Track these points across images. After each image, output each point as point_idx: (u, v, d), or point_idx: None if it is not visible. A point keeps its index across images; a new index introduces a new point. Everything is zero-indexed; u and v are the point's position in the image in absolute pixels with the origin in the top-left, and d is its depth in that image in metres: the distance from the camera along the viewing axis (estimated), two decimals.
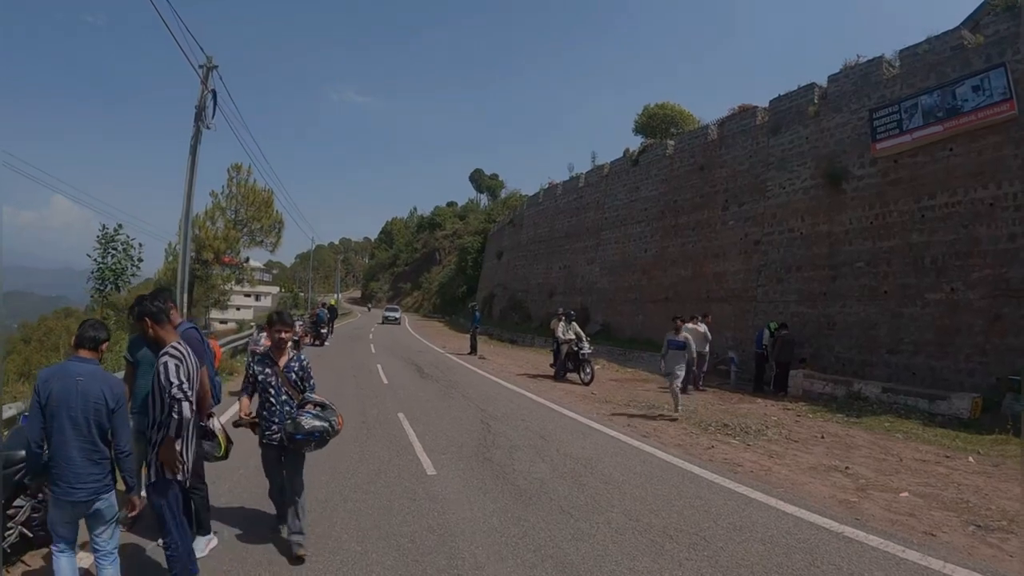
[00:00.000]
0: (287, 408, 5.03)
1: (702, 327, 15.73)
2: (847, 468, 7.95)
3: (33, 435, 3.66)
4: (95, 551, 3.84)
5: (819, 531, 5.53)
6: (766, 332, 15.47)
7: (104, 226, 22.99)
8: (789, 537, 5.37)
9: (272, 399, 5.07)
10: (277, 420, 5.01)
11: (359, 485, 6.75)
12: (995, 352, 11.67)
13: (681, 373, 11.46)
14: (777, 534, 5.44)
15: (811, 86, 17.47)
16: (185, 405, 3.90)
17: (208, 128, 16.49)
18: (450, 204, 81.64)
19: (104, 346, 4.04)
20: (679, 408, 11.28)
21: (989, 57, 12.63)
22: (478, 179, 75.97)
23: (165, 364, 3.93)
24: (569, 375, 16.84)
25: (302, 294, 67.40)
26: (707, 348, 15.84)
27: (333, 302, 44.59)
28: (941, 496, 6.84)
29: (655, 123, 32.53)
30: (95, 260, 23.12)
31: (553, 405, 12.48)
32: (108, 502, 3.79)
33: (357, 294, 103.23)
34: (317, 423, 4.83)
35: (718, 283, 20.25)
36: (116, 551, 3.90)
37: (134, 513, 4.63)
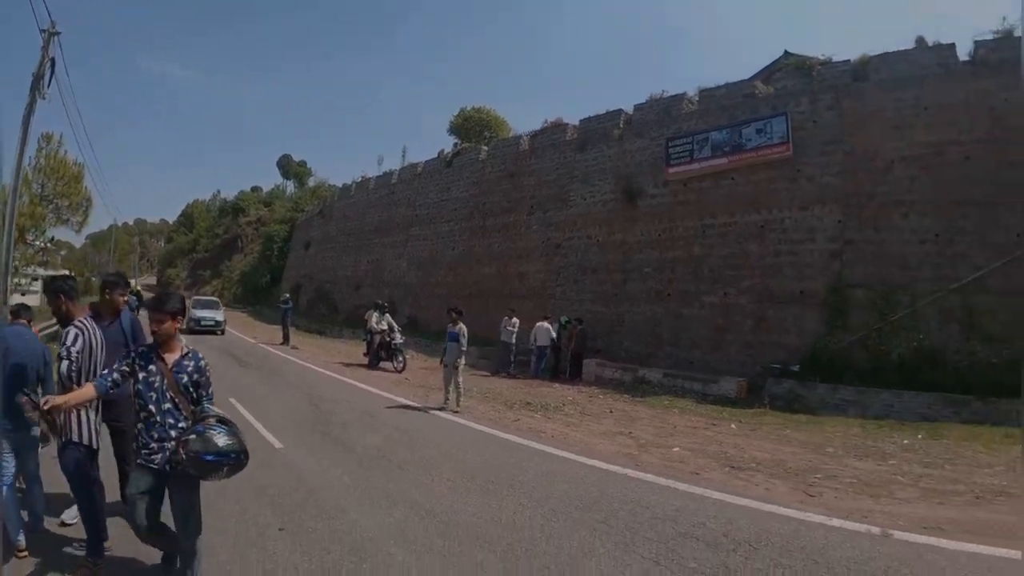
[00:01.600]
0: (170, 420, 3.64)
1: (515, 322, 16.45)
2: (630, 433, 9.14)
3: None
4: None
5: (607, 474, 6.66)
6: (555, 326, 16.25)
7: None
8: (584, 478, 6.44)
9: (151, 407, 3.62)
10: (157, 436, 3.61)
11: None
12: (759, 346, 13.27)
13: (460, 364, 10.92)
14: (575, 477, 6.49)
15: (618, 111, 18.51)
16: (64, 364, 3.98)
17: (43, 98, 14.75)
18: (255, 189, 75.27)
19: None
20: (449, 401, 10.84)
21: (775, 106, 14.26)
22: (286, 165, 71.01)
23: (67, 331, 4.17)
24: (383, 364, 16.63)
25: (94, 279, 59.36)
26: (513, 340, 16.32)
27: (136, 288, 39.67)
28: (706, 450, 8.16)
29: (470, 126, 32.65)
30: None
31: (373, 389, 12.61)
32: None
33: (152, 280, 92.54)
34: (231, 441, 3.50)
35: (521, 282, 20.74)
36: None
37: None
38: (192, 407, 3.69)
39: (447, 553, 4.46)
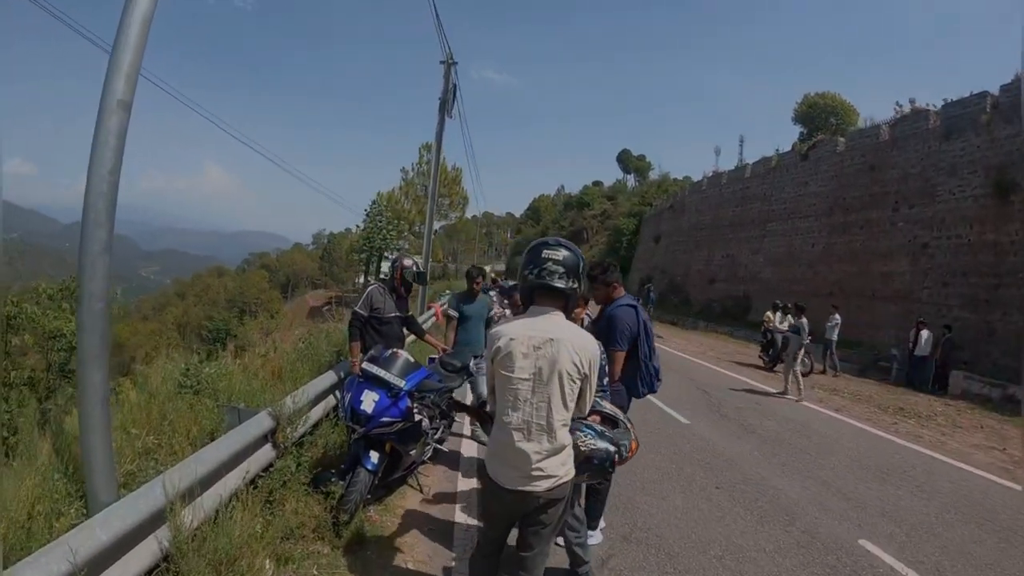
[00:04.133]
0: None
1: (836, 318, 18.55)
2: (1004, 449, 10.22)
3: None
4: None
5: (985, 481, 8.03)
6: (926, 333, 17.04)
7: (374, 201, 28.35)
8: (964, 481, 7.89)
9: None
10: None
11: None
12: None
13: (800, 355, 13.66)
14: (956, 479, 7.96)
15: (984, 94, 18.54)
16: None
17: (450, 117, 19.35)
18: (596, 184, 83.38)
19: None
20: (789, 389, 13.49)
21: None
22: (626, 159, 77.48)
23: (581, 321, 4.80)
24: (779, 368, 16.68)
25: (451, 265, 71.39)
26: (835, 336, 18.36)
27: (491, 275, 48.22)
28: None
29: (815, 113, 33.24)
30: (363, 229, 28.45)
31: (744, 379, 15.31)
32: None
33: (502, 267, 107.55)
34: (600, 444, 3.33)
35: (884, 282, 21.66)
36: None
37: None
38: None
39: (862, 525, 6.03)
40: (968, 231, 18.32)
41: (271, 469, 4.84)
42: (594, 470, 3.39)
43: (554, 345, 2.94)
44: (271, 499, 4.60)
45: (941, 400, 14.89)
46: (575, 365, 2.95)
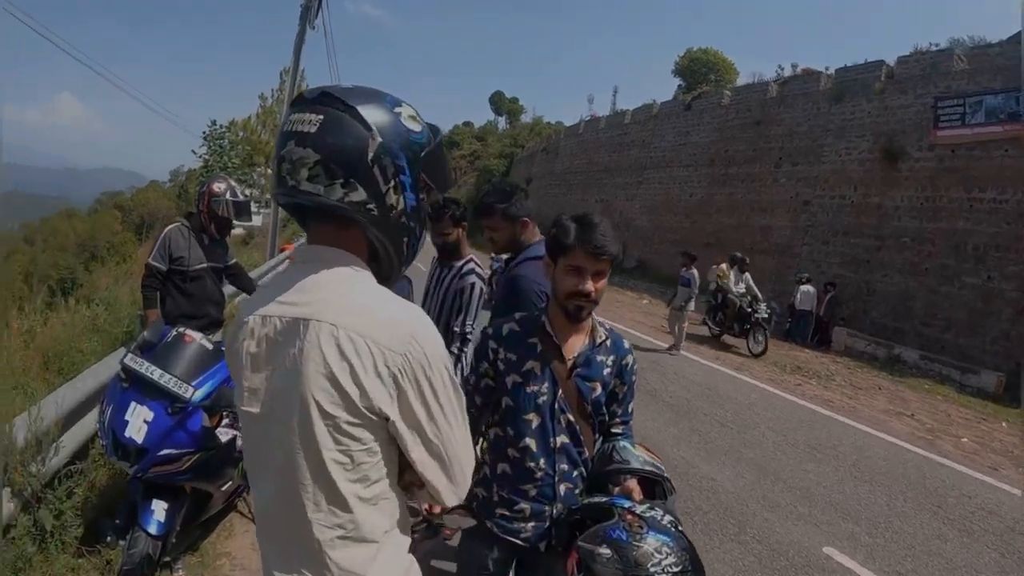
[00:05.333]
0: (563, 466, 2.26)
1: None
2: (912, 415, 10.45)
3: None
4: None
5: (916, 456, 7.95)
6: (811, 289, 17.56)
7: (214, 121, 24.88)
8: (896, 458, 7.74)
9: (532, 439, 2.23)
10: (537, 488, 2.25)
11: None
12: (1018, 339, 14.20)
13: (689, 308, 13.28)
14: (887, 456, 7.81)
15: (879, 63, 19.36)
16: (469, 351, 3.48)
17: (312, 28, 16.75)
18: (467, 124, 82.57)
19: None
20: (676, 343, 13.26)
21: None
22: (498, 101, 76.95)
23: (472, 286, 3.85)
24: (727, 338, 15.23)
25: None
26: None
27: None
28: (990, 445, 9.18)
29: (696, 67, 34.16)
30: (201, 157, 24.98)
31: (632, 331, 14.86)
32: None
33: None
34: (652, 541, 1.86)
35: (764, 236, 22.53)
36: None
37: None
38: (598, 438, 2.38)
39: (819, 525, 5.57)
40: (852, 192, 19.27)
41: (12, 529, 3.29)
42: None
43: (302, 335, 1.27)
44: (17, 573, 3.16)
45: (828, 356, 15.60)
46: (340, 389, 1.24)
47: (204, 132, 31.68)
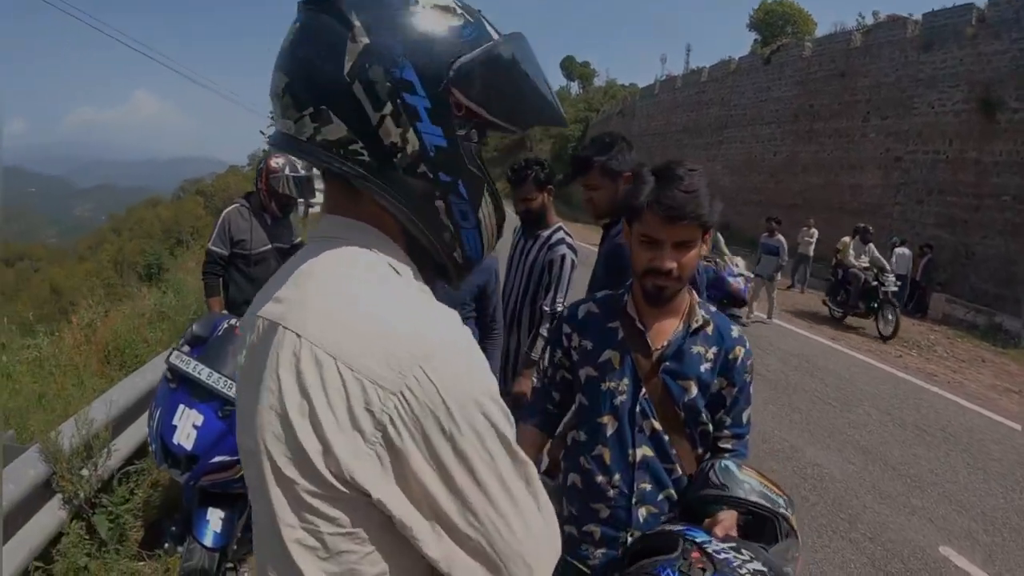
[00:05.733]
0: (646, 484, 1.85)
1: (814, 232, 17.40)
2: (1021, 391, 9.94)
3: None
4: None
5: None
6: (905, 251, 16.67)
7: None
8: (1012, 442, 7.34)
9: (606, 448, 1.85)
10: (609, 510, 1.87)
11: None
12: None
13: (777, 278, 12.88)
14: (1003, 440, 7.39)
15: (970, 5, 18.07)
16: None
17: None
18: None
19: None
20: (757, 314, 12.77)
21: None
22: (569, 67, 75.72)
23: (562, 259, 3.48)
24: (851, 319, 13.80)
25: None
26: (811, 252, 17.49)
27: None
28: None
29: (772, 20, 32.83)
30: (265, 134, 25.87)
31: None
32: None
33: None
34: None
35: (853, 195, 21.72)
36: None
37: None
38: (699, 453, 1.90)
39: (934, 520, 5.29)
40: (947, 147, 18.28)
41: (64, 537, 3.20)
42: None
43: (275, 347, 0.86)
44: None
45: (926, 324, 15.05)
46: (293, 440, 0.81)
47: (270, 112, 32.38)
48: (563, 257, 3.45)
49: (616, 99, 48.19)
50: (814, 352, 10.97)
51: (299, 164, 4.56)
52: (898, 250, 16.55)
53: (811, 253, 17.60)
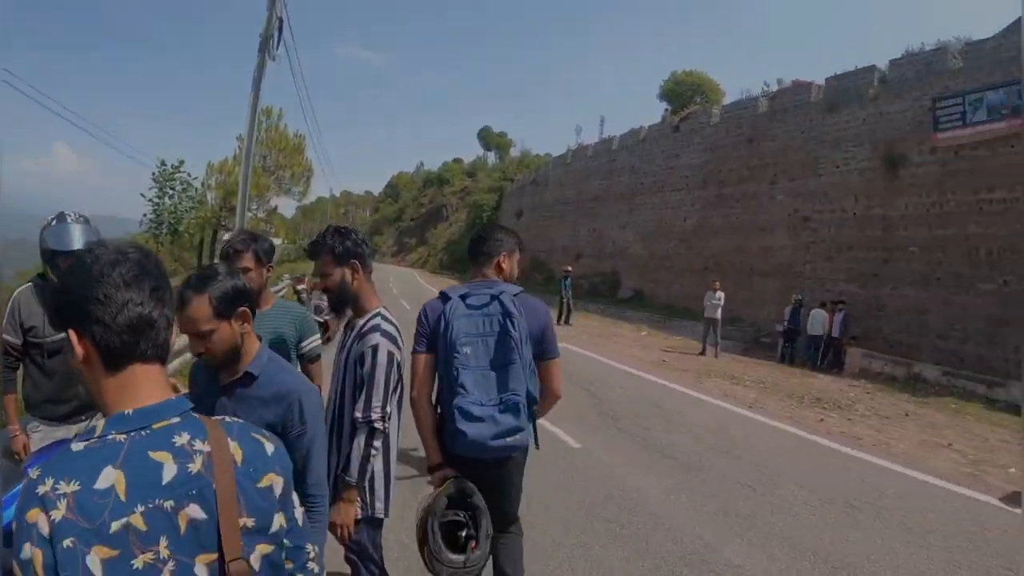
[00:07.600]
0: None
1: (720, 295, 17.34)
2: (949, 445, 9.46)
3: None
4: None
5: (974, 503, 6.78)
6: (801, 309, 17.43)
7: (163, 162, 23.89)
8: (949, 508, 6.58)
9: None
10: None
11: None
12: None
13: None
14: (940, 507, 6.61)
15: (871, 68, 18.96)
16: (393, 447, 2.96)
17: (272, 60, 15.33)
18: (456, 160, 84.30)
19: None
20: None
21: None
22: (486, 136, 78.29)
23: (375, 349, 2.79)
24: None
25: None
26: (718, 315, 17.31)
27: None
28: None
29: (682, 90, 34.07)
30: (151, 201, 23.97)
31: (630, 369, 13.38)
32: None
33: None
34: None
35: (765, 257, 21.93)
36: None
37: None
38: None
39: None
40: (854, 204, 18.68)
41: None
42: None
43: None
44: None
45: (844, 380, 14.86)
46: None
47: (153, 173, 29.76)
48: (375, 348, 2.80)
49: (531, 168, 48.87)
50: (729, 424, 9.93)
51: (90, 231, 3.61)
52: (813, 311, 17.03)
53: (718, 316, 17.25)
